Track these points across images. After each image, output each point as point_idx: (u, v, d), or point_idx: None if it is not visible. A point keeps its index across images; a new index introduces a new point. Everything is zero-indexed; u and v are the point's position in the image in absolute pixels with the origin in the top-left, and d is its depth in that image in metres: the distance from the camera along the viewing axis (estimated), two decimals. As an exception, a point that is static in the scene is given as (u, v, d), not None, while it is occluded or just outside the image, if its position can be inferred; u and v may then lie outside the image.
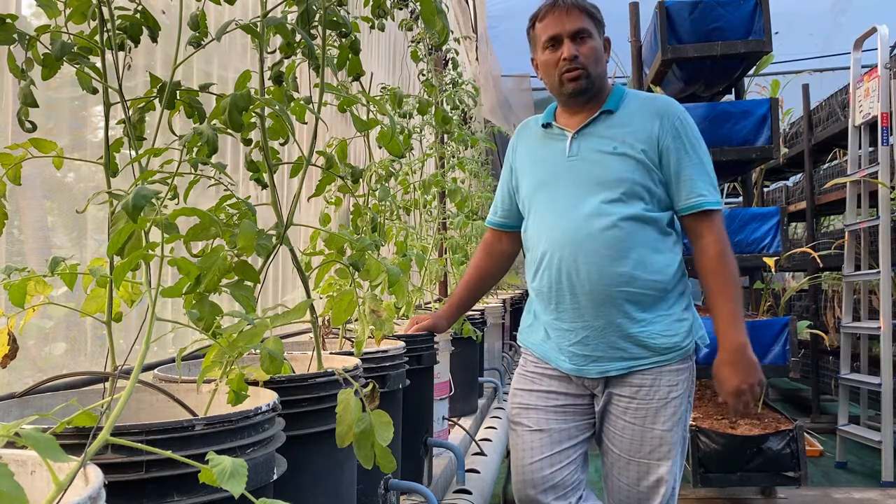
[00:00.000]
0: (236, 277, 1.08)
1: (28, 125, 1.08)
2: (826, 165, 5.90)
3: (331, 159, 1.41)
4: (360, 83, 1.56)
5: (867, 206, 4.23)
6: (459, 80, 3.51)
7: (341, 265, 1.43)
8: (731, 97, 4.03)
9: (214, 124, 1.08)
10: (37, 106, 1.08)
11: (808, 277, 5.14)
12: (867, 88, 4.15)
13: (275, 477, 0.95)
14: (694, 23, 3.47)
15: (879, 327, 3.93)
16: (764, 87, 5.54)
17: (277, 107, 1.20)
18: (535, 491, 1.74)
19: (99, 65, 1.08)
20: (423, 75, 2.95)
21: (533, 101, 8.23)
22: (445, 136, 3.47)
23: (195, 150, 1.03)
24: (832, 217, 6.95)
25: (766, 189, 6.68)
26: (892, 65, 4.01)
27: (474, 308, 3.39)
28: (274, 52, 1.32)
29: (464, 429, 2.83)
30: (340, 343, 1.75)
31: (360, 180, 1.49)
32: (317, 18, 1.28)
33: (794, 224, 7.29)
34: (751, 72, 3.90)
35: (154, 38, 1.16)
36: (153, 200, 0.88)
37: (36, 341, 1.35)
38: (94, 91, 1.11)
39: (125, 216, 0.86)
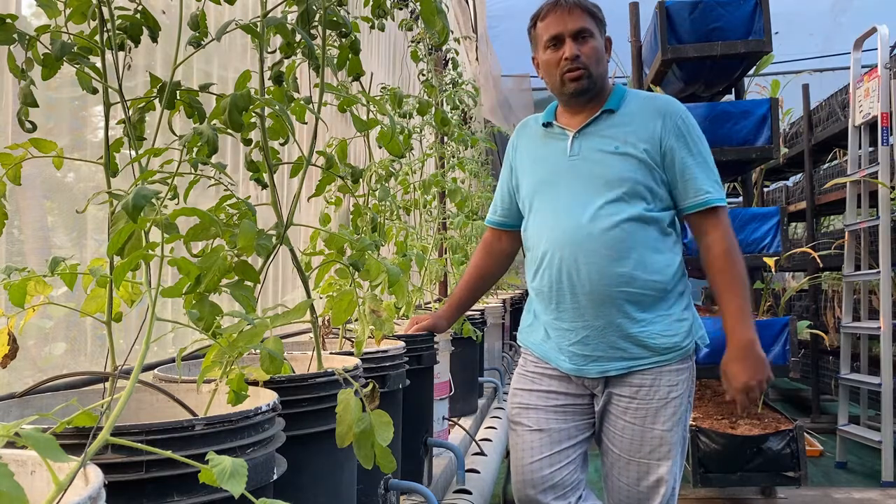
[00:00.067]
0: (236, 277, 1.08)
1: (28, 125, 1.08)
2: (826, 165, 5.90)
3: (331, 159, 1.41)
4: (360, 83, 1.56)
5: (867, 206, 4.23)
6: (459, 80, 3.51)
7: (341, 265, 1.43)
8: (731, 97, 4.03)
9: (214, 124, 1.09)
10: (37, 106, 1.08)
11: (808, 277, 5.14)
12: (867, 88, 4.15)
13: (275, 477, 0.95)
14: (694, 23, 3.47)
15: (879, 327, 3.93)
16: (764, 87, 5.54)
17: (277, 107, 1.20)
18: (534, 491, 1.74)
19: (99, 65, 1.08)
20: (423, 75, 2.95)
21: (533, 101, 8.24)
22: (445, 136, 3.47)
23: (195, 150, 1.03)
24: (832, 217, 6.95)
25: (766, 189, 6.69)
26: (892, 65, 4.01)
27: (474, 308, 3.39)
28: (274, 52, 1.32)
29: (464, 429, 2.83)
30: (340, 343, 1.75)
31: (360, 180, 1.50)
32: (317, 18, 1.28)
33: (794, 224, 7.29)
34: (751, 72, 3.90)
35: (154, 38, 1.16)
36: (153, 200, 0.88)
37: (36, 341, 1.35)
38: (94, 91, 1.11)
39: (125, 216, 0.86)
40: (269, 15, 1.21)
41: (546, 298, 1.75)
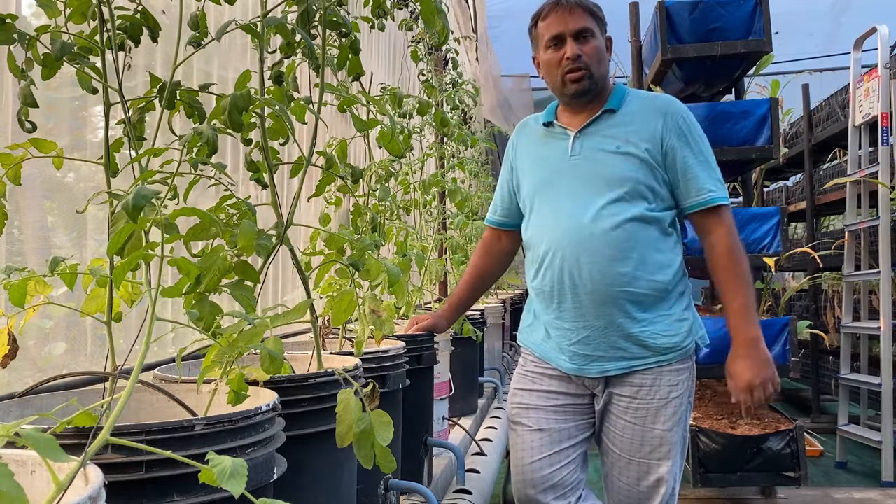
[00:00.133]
0: (236, 277, 1.08)
1: (28, 125, 1.08)
2: (826, 165, 5.90)
3: (331, 159, 1.41)
4: (360, 83, 1.56)
5: (867, 206, 4.23)
6: (459, 80, 3.51)
7: (341, 265, 1.43)
8: (731, 97, 4.03)
9: (214, 124, 1.09)
10: (37, 106, 1.08)
11: (808, 277, 5.14)
12: (867, 88, 4.15)
13: (275, 477, 0.95)
14: (694, 23, 3.47)
15: (879, 327, 3.93)
16: (764, 87, 5.54)
17: (277, 107, 1.20)
18: (534, 490, 1.74)
19: (99, 65, 1.08)
20: (423, 75, 2.95)
21: (533, 101, 8.24)
22: (445, 136, 3.47)
23: (195, 150, 1.03)
24: (832, 217, 6.95)
25: (766, 189, 6.69)
26: (892, 65, 4.01)
27: (474, 308, 3.39)
28: (274, 52, 1.32)
29: (464, 429, 2.83)
30: (340, 343, 1.75)
31: (360, 180, 1.49)
32: (317, 18, 1.28)
33: (794, 224, 7.29)
34: (751, 72, 3.90)
35: (154, 38, 1.16)
36: (153, 200, 0.88)
37: (36, 341, 1.35)
38: (94, 91, 1.11)
39: (125, 216, 0.86)
40: (269, 15, 1.21)
41: (547, 298, 1.75)
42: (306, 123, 1.44)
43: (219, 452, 0.73)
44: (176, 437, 0.83)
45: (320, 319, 1.57)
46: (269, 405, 0.96)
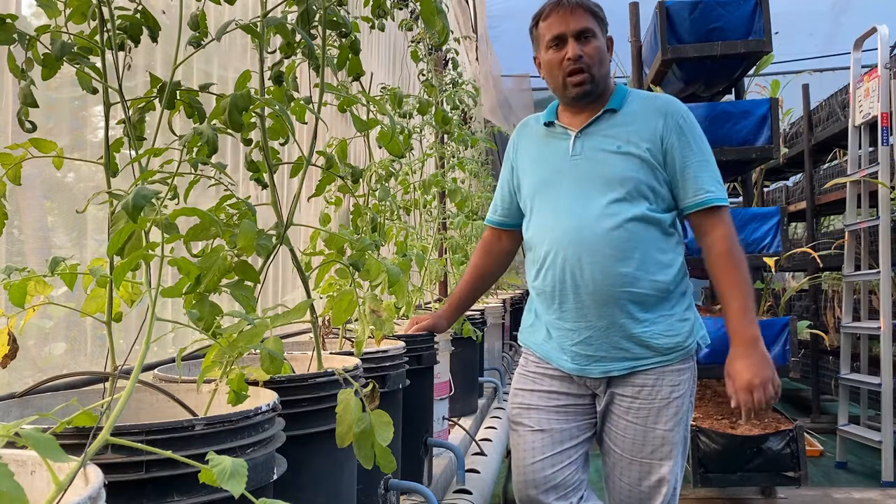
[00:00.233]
0: (236, 277, 1.08)
1: (28, 125, 1.08)
2: (826, 165, 5.90)
3: (331, 159, 1.41)
4: (360, 83, 1.56)
5: (867, 206, 4.23)
6: (459, 80, 3.51)
7: (341, 265, 1.43)
8: (731, 97, 4.03)
9: (214, 124, 1.09)
10: (37, 106, 1.08)
11: (808, 277, 5.14)
12: (867, 88, 4.15)
13: (275, 477, 0.95)
14: (694, 23, 3.47)
15: (879, 327, 3.93)
16: (764, 87, 5.54)
17: (277, 107, 1.20)
18: (536, 491, 1.74)
19: (99, 65, 1.08)
20: (423, 75, 2.95)
21: (533, 101, 8.24)
22: (445, 136, 3.47)
23: (195, 150, 1.03)
24: (832, 217, 6.95)
25: (766, 189, 6.69)
26: (892, 65, 4.01)
27: (474, 308, 3.39)
28: (274, 52, 1.32)
29: (464, 429, 2.83)
30: (340, 343, 1.75)
31: (360, 180, 1.50)
32: (317, 18, 1.28)
33: (794, 224, 7.29)
34: (751, 72, 3.90)
35: (154, 38, 1.16)
36: (153, 200, 0.88)
37: (36, 341, 1.35)
38: (94, 91, 1.11)
39: (125, 216, 0.86)
40: (269, 15, 1.21)
41: (548, 298, 1.75)
42: (306, 123, 1.44)
43: (219, 452, 0.73)
44: (176, 437, 0.83)
45: (320, 319, 1.57)
46: (269, 405, 0.96)
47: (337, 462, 1.22)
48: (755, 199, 4.42)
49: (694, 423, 3.29)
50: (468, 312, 2.90)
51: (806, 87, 5.54)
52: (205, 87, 1.20)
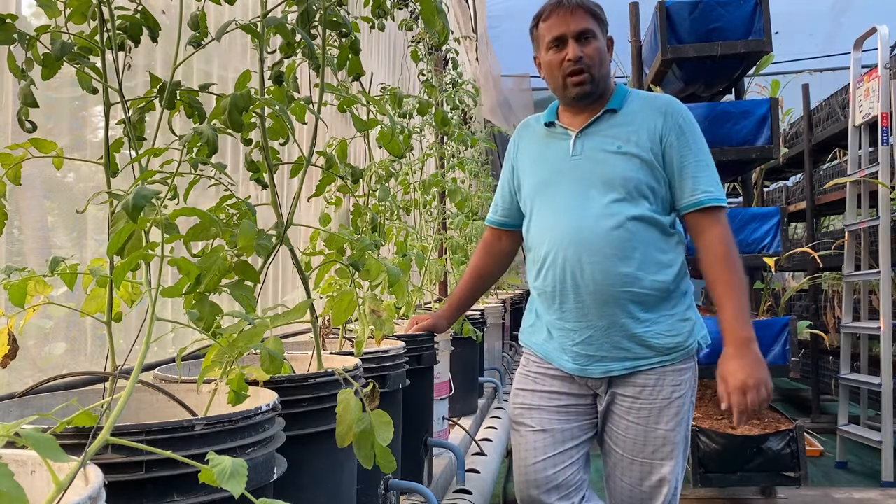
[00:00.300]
0: (236, 277, 1.08)
1: (28, 125, 1.08)
2: (826, 165, 5.90)
3: (331, 159, 1.41)
4: (360, 83, 1.56)
5: (867, 206, 4.23)
6: (459, 80, 3.51)
7: (341, 265, 1.43)
8: (731, 97, 4.03)
9: (214, 124, 1.09)
10: (37, 106, 1.08)
11: (808, 277, 5.14)
12: (867, 88, 4.15)
13: (275, 477, 0.95)
14: (694, 23, 3.47)
15: (879, 327, 3.93)
16: (764, 87, 5.54)
17: (277, 107, 1.20)
18: (538, 491, 1.74)
19: (99, 65, 1.08)
20: (423, 75, 2.95)
21: (533, 101, 8.24)
22: (445, 136, 3.47)
23: (195, 150, 1.03)
24: (832, 217, 6.95)
25: (766, 189, 6.69)
26: (892, 65, 4.01)
27: (474, 308, 3.39)
28: (274, 52, 1.32)
29: (464, 429, 2.83)
30: (340, 343, 1.75)
31: (360, 180, 1.50)
32: (317, 18, 1.28)
33: (794, 224, 7.29)
34: (751, 72, 3.90)
35: (154, 38, 1.16)
36: (153, 200, 0.88)
37: (36, 341, 1.35)
38: (94, 91, 1.11)
39: (125, 216, 0.86)
40: (269, 15, 1.21)
41: (549, 298, 1.75)
42: (306, 123, 1.44)
43: (219, 452, 0.73)
44: (176, 437, 0.83)
45: (320, 319, 1.57)
46: (269, 405, 0.96)
47: (337, 462, 1.22)
48: (755, 199, 4.42)
49: (694, 423, 3.29)
50: (468, 312, 2.90)
51: (806, 87, 5.54)
52: (205, 87, 1.20)
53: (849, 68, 4.40)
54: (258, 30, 1.19)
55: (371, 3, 1.64)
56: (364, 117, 1.52)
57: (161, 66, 1.61)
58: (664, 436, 1.69)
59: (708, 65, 3.59)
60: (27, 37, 1.03)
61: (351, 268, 1.37)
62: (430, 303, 3.16)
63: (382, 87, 2.15)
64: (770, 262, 3.34)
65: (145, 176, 0.98)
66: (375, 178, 2.07)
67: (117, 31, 1.09)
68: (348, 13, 1.43)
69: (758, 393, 1.60)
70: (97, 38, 1.08)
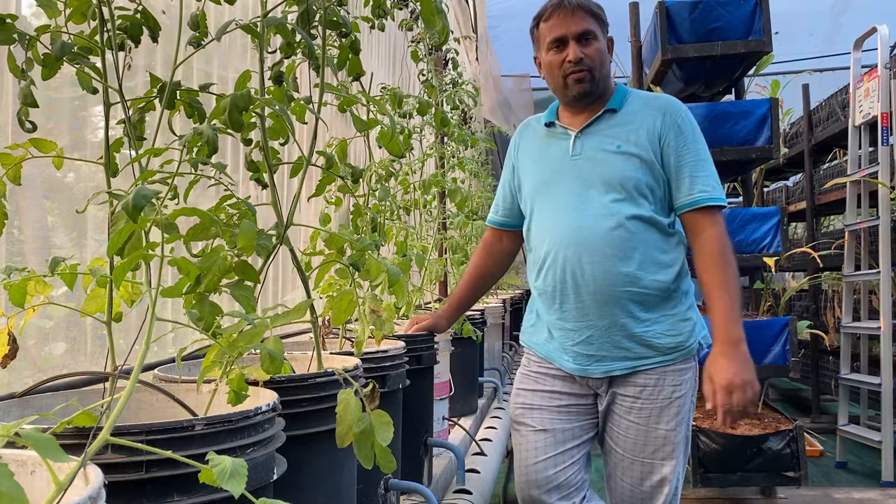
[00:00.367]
0: (236, 277, 1.08)
1: (28, 125, 1.08)
2: (826, 165, 5.90)
3: (331, 159, 1.41)
4: (360, 83, 1.56)
5: (867, 206, 4.23)
6: (459, 80, 3.51)
7: (341, 265, 1.43)
8: (731, 97, 4.03)
9: (214, 124, 1.09)
10: (37, 106, 1.08)
11: (808, 277, 5.14)
12: (867, 88, 4.15)
13: (275, 477, 0.95)
14: (694, 23, 3.47)
15: (879, 327, 3.93)
16: (764, 87, 5.54)
17: (277, 107, 1.20)
18: (538, 491, 1.74)
19: (99, 65, 1.08)
20: (423, 75, 2.95)
21: (533, 101, 8.24)
22: (445, 136, 3.47)
23: (195, 150, 1.03)
24: (832, 217, 6.95)
25: (766, 189, 6.69)
26: (892, 65, 4.01)
27: (474, 308, 3.39)
28: (274, 52, 1.32)
29: (464, 429, 2.83)
30: (340, 343, 1.75)
31: (360, 180, 1.49)
32: (317, 18, 1.28)
33: (794, 224, 7.29)
34: (751, 72, 3.90)
35: (154, 38, 1.16)
36: (153, 200, 0.88)
37: (36, 341, 1.35)
38: (94, 91, 1.11)
39: (125, 216, 0.86)
40: (269, 15, 1.21)
41: (549, 298, 1.75)
42: (306, 123, 1.44)
43: (219, 452, 0.73)
44: (176, 437, 0.83)
45: (320, 319, 1.57)
46: (269, 405, 0.96)
47: (337, 462, 1.22)
48: (755, 199, 4.42)
49: (694, 423, 3.29)
50: (468, 312, 2.90)
51: (806, 87, 5.54)
52: (205, 87, 1.20)
53: (849, 68, 4.40)
54: (258, 30, 1.19)
55: (371, 3, 1.64)
56: (364, 117, 1.52)
57: (161, 66, 1.61)
58: (665, 436, 1.69)
59: (708, 65, 3.59)
60: (27, 37, 1.03)
61: (351, 268, 1.37)
62: (430, 303, 3.16)
63: (382, 87, 2.15)
64: (770, 262, 3.34)
65: (145, 176, 0.98)
66: (375, 178, 2.07)
67: (117, 31, 1.09)
68: (348, 13, 1.43)
69: (744, 393, 1.58)
70: (97, 38, 1.08)
